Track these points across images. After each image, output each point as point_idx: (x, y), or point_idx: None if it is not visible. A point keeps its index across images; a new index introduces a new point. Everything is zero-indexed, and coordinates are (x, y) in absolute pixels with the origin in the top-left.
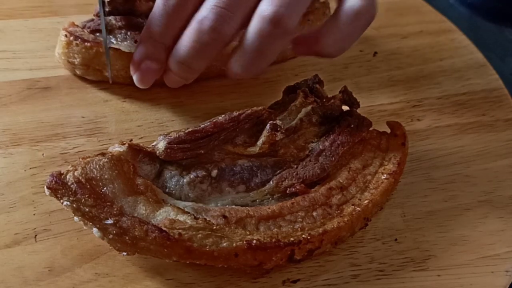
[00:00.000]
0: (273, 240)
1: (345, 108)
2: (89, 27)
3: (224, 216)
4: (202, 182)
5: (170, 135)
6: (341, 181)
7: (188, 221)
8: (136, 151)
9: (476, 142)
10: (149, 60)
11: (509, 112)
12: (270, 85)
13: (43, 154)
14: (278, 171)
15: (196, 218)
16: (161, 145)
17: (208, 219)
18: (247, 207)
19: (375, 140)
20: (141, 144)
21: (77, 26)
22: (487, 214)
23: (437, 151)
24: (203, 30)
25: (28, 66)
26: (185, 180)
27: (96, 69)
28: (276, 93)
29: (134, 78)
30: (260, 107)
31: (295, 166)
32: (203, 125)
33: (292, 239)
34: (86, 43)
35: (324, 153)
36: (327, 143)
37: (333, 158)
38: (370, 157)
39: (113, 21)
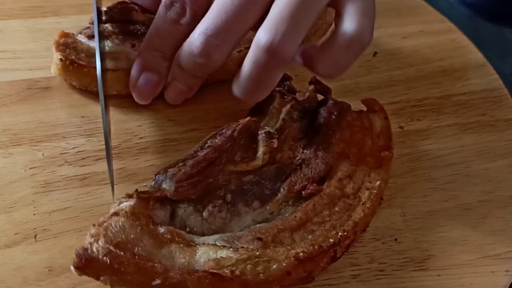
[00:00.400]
0: (316, 247)
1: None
2: (85, 33)
3: (259, 238)
4: (220, 211)
5: (169, 171)
6: (345, 169)
7: (231, 255)
8: (146, 200)
9: (476, 142)
10: (148, 71)
11: (509, 112)
12: None
13: (43, 154)
14: (284, 176)
15: (236, 250)
16: (168, 185)
17: (245, 246)
18: (273, 222)
19: (358, 121)
20: (148, 190)
21: (69, 36)
22: (487, 214)
23: (437, 151)
24: (193, 54)
25: (28, 66)
26: (204, 214)
27: (95, 90)
28: None
29: (134, 93)
30: (246, 119)
31: (299, 167)
32: (202, 153)
33: (331, 240)
34: (84, 69)
35: (320, 147)
36: (318, 136)
37: (330, 149)
38: (360, 138)
39: (110, 28)
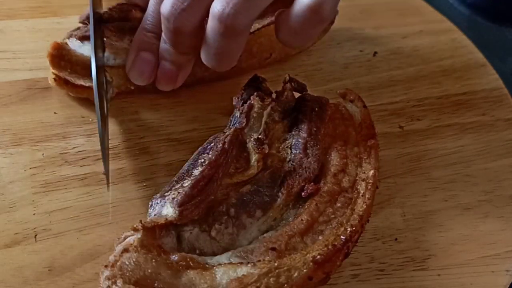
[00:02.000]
0: (330, 247)
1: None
2: (76, 35)
3: (273, 249)
4: (227, 227)
5: (167, 196)
6: (337, 163)
7: (251, 271)
8: (152, 229)
9: (476, 141)
10: (143, 51)
11: (509, 111)
12: (271, 85)
13: (43, 154)
14: (279, 180)
15: (254, 265)
16: (170, 211)
17: (261, 259)
18: (282, 229)
19: (337, 113)
20: (152, 219)
21: (63, 47)
22: (488, 214)
23: (437, 150)
24: (164, 18)
25: (28, 66)
26: (212, 233)
27: (92, 101)
28: None
29: (131, 74)
30: (231, 129)
31: (292, 169)
32: (197, 171)
33: (343, 237)
34: (77, 88)
35: (308, 144)
36: (304, 134)
37: (318, 145)
38: (344, 130)
39: (107, 28)
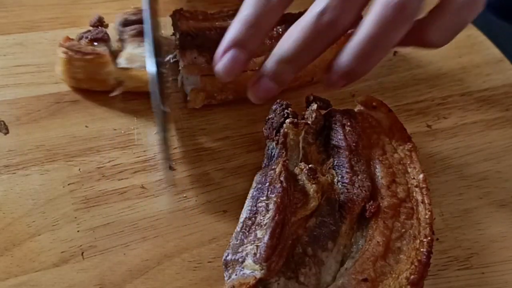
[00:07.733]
0: (416, 263)
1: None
2: (87, 37)
3: (364, 280)
4: (310, 269)
5: (242, 252)
6: (384, 175)
7: None
8: None
9: (503, 137)
10: (237, 48)
11: None
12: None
13: (79, 169)
14: (337, 205)
15: None
16: (256, 267)
17: None
18: (362, 257)
19: (365, 123)
20: (240, 281)
21: (73, 39)
22: None
23: (467, 148)
24: (321, 23)
25: (53, 80)
26: (301, 278)
27: (101, 80)
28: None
29: (217, 67)
30: (279, 163)
31: (345, 190)
32: (265, 218)
33: (423, 250)
34: (87, 56)
35: (352, 162)
36: (346, 152)
37: (362, 160)
38: (377, 138)
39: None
